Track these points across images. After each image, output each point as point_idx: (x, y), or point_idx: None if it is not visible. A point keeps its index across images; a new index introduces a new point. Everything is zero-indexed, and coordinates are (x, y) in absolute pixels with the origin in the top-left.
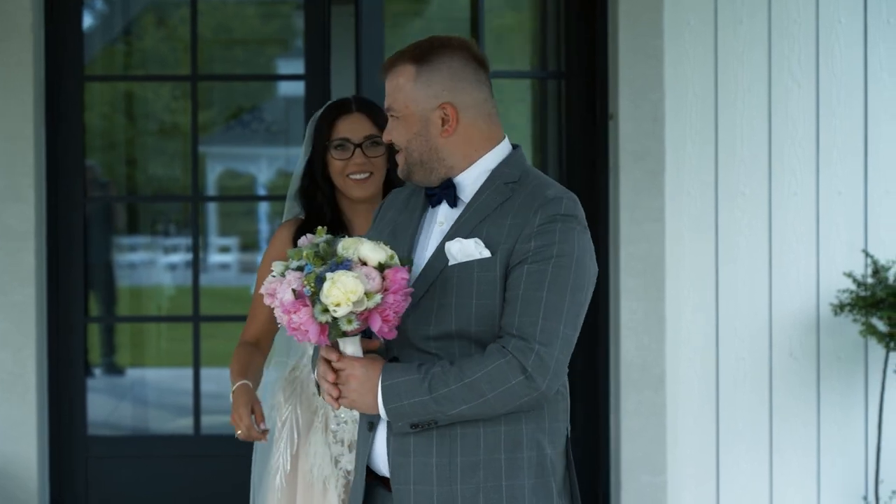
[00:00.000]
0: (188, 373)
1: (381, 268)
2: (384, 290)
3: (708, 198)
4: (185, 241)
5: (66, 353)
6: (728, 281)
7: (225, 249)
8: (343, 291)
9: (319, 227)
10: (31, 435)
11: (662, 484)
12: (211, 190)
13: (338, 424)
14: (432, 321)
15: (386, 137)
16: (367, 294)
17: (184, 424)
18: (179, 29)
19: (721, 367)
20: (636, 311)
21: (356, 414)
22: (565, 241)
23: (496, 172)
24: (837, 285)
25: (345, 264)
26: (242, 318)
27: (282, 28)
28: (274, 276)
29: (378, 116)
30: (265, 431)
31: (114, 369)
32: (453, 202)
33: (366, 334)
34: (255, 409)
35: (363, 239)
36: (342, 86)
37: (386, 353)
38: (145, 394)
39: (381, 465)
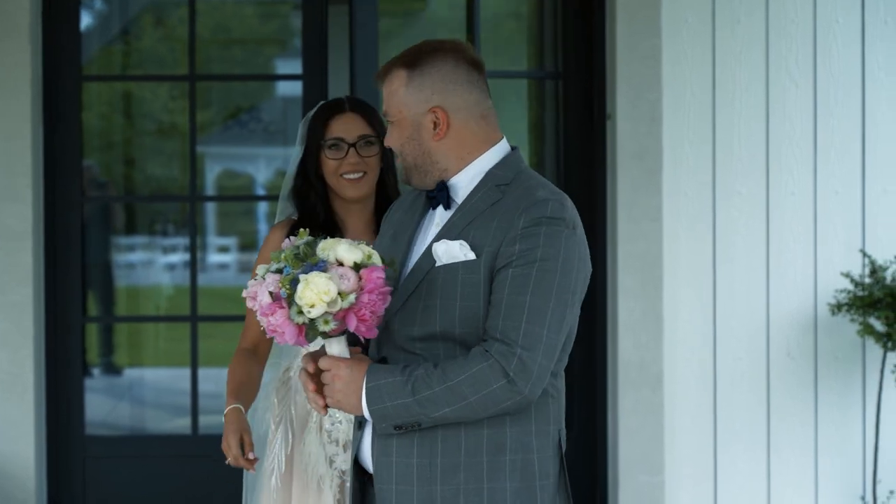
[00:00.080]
0: (186, 373)
1: (357, 268)
2: (360, 290)
3: (705, 197)
4: (184, 241)
5: (64, 353)
6: (725, 280)
7: (224, 249)
8: (316, 292)
9: (301, 230)
10: (29, 434)
11: (660, 483)
12: (209, 190)
13: (332, 424)
14: (417, 322)
15: (386, 142)
16: (341, 294)
17: (181, 424)
18: (178, 29)
19: (718, 366)
20: (633, 310)
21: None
22: (550, 245)
23: (490, 174)
24: (835, 285)
25: (319, 265)
26: (241, 318)
27: (280, 28)
28: (256, 280)
29: (371, 116)
30: (254, 460)
31: (112, 369)
32: (447, 204)
33: (356, 342)
34: (244, 438)
35: (342, 240)
36: (340, 85)
37: (376, 353)
38: (143, 394)
39: (369, 463)
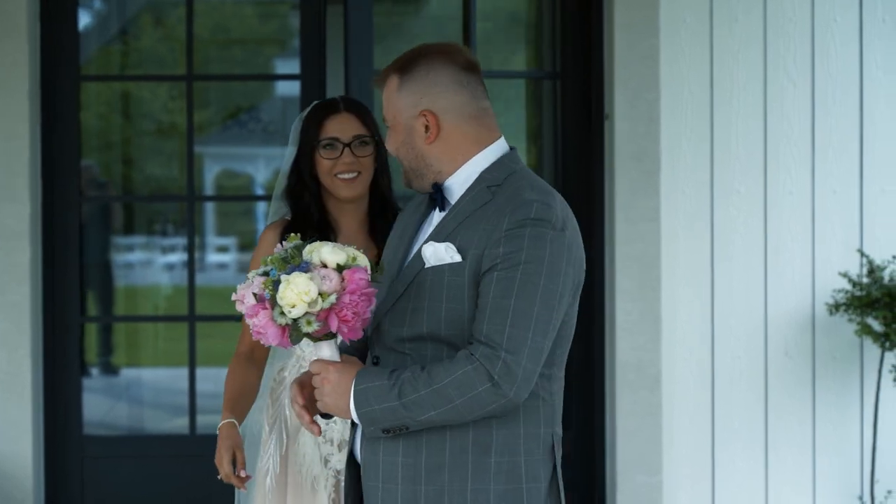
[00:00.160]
0: (184, 373)
1: (341, 269)
2: (342, 291)
3: (703, 196)
4: (183, 241)
5: (62, 353)
6: (723, 280)
7: (223, 249)
8: (296, 293)
9: (292, 234)
10: (27, 434)
11: (658, 484)
12: (208, 190)
13: (326, 424)
14: (406, 323)
15: (386, 146)
16: (322, 294)
17: (180, 424)
18: (176, 29)
19: (717, 366)
20: (631, 311)
21: None
22: (534, 247)
23: (483, 175)
24: (833, 285)
25: (302, 266)
26: (238, 319)
27: (279, 28)
28: (244, 283)
29: (366, 116)
30: (245, 478)
31: (110, 369)
32: (442, 206)
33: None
34: (236, 455)
35: (327, 242)
36: (339, 85)
37: (370, 354)
38: (141, 394)
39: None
